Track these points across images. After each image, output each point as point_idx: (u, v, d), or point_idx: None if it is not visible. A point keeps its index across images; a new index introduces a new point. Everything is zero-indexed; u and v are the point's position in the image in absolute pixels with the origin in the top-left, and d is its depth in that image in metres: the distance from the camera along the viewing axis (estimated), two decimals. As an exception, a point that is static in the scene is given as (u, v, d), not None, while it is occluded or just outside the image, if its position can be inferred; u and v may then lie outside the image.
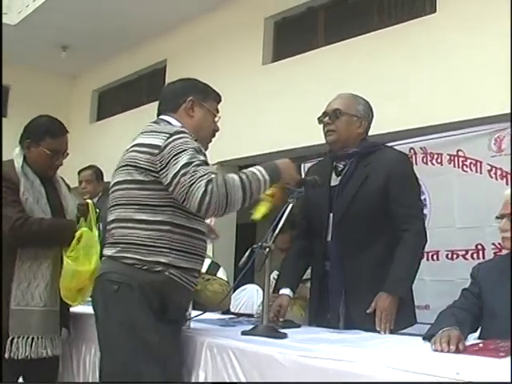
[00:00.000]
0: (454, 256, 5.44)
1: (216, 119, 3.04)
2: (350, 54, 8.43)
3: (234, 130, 7.55)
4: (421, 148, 5.77)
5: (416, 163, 5.63)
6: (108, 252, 2.77)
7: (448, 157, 5.71)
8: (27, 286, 3.33)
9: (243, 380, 2.48)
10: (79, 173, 6.25)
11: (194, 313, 3.03)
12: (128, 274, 2.64)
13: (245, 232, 9.56)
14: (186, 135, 2.70)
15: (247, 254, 2.85)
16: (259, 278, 3.26)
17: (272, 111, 9.07)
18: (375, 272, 3.24)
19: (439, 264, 5.41)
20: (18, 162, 3.47)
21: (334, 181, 3.44)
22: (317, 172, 3.43)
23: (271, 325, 2.90)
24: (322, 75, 8.49)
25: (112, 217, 2.80)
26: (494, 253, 5.11)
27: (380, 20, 8.61)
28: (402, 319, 3.20)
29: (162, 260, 2.66)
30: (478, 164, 5.50)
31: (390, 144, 5.29)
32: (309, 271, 3.66)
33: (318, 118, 3.46)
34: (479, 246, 5.29)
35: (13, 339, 3.26)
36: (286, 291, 3.46)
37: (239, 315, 4.09)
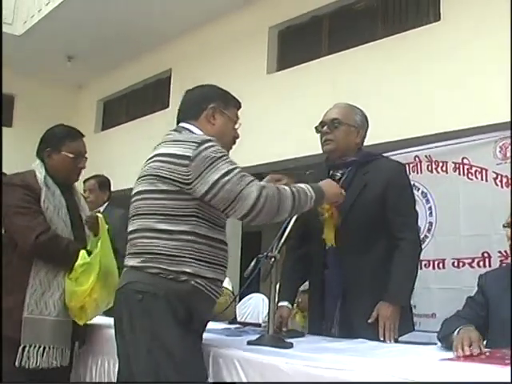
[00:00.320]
0: (460, 264, 5.42)
1: (236, 126, 3.01)
2: (355, 63, 8.44)
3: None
4: (426, 156, 5.76)
5: (421, 171, 5.63)
6: (130, 262, 2.74)
7: (453, 165, 5.70)
8: (41, 294, 3.31)
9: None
10: (84, 182, 6.25)
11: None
12: (153, 284, 2.61)
13: (250, 241, 9.56)
14: (214, 143, 2.67)
15: (253, 263, 2.85)
16: (265, 288, 3.26)
17: (276, 120, 9.09)
18: (372, 279, 3.26)
19: (445, 272, 5.39)
20: (41, 172, 3.47)
21: None
22: (311, 181, 3.43)
23: (277, 334, 2.89)
24: (327, 84, 8.49)
25: (134, 227, 2.77)
26: (501, 261, 5.10)
27: (384, 28, 8.63)
28: (401, 326, 3.19)
29: (187, 270, 2.63)
30: (484, 172, 5.48)
31: (394, 152, 5.30)
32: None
33: (316, 128, 3.47)
34: (485, 254, 5.27)
35: (24, 347, 3.24)
36: (284, 304, 3.49)
37: (245, 324, 4.08)
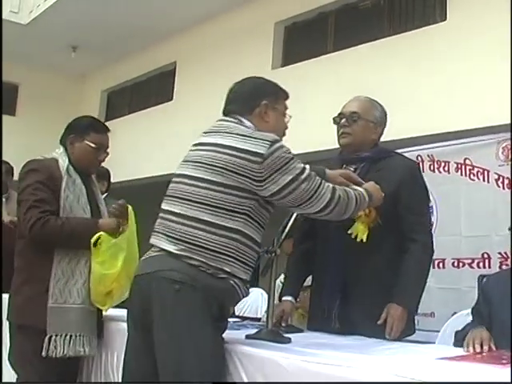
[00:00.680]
0: (460, 264, 5.44)
1: (286, 119, 3.00)
2: (360, 60, 8.43)
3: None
4: (428, 156, 5.77)
5: (423, 171, 5.64)
6: (164, 246, 2.66)
7: (455, 165, 5.71)
8: (65, 283, 3.28)
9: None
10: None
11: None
12: (191, 275, 2.55)
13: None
14: (283, 143, 2.68)
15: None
16: (264, 282, 3.26)
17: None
18: (376, 279, 3.21)
19: (445, 272, 5.40)
20: (64, 160, 3.45)
21: None
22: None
23: (275, 329, 2.90)
24: (332, 81, 8.49)
25: (173, 209, 2.70)
26: (500, 262, 5.11)
27: (390, 27, 8.63)
28: (404, 329, 3.17)
29: (226, 268, 2.59)
30: (486, 173, 5.50)
31: (397, 151, 5.30)
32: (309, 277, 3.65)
33: (334, 119, 3.42)
34: (485, 255, 5.29)
35: (50, 337, 3.21)
36: (287, 298, 3.46)
37: (244, 318, 4.09)
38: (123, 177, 11.06)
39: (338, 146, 3.44)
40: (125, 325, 3.40)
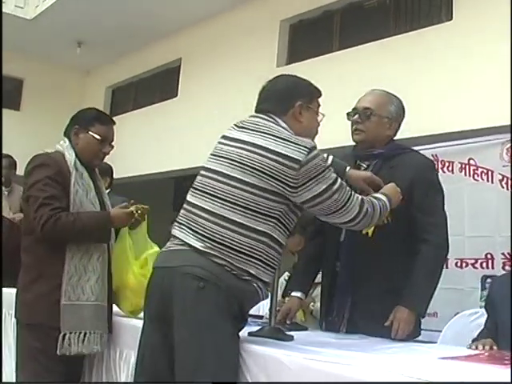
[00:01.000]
0: (464, 264, 5.43)
1: (319, 118, 2.95)
2: (365, 59, 8.42)
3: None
4: (432, 155, 5.75)
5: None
6: (190, 241, 2.62)
7: (459, 165, 5.71)
8: (78, 279, 3.23)
9: (249, 381, 2.48)
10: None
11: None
12: (216, 274, 2.52)
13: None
14: (319, 151, 2.65)
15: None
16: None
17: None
18: (386, 279, 3.16)
19: (448, 272, 5.36)
20: (70, 154, 3.38)
21: None
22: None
23: (278, 327, 2.90)
24: (337, 79, 8.48)
25: (200, 203, 2.67)
26: (504, 263, 5.11)
27: (396, 26, 8.61)
28: (411, 331, 3.14)
29: (251, 271, 2.56)
30: (490, 173, 5.49)
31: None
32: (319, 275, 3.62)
33: (348, 114, 3.35)
34: (489, 256, 5.28)
35: (64, 335, 3.16)
36: (297, 294, 3.43)
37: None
38: (127, 173, 11.07)
39: (343, 144, 3.42)
40: (127, 320, 3.42)
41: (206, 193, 2.67)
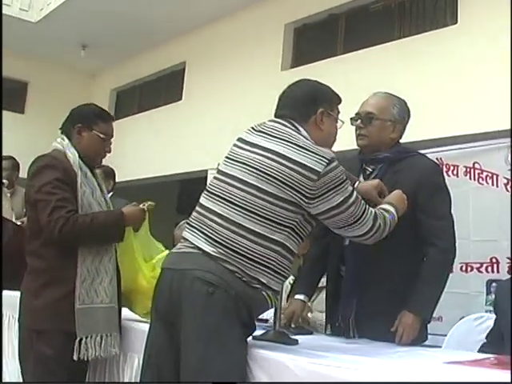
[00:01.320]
0: (469, 269, 5.41)
1: (338, 125, 2.92)
2: (370, 63, 8.42)
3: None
4: (437, 159, 5.72)
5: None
6: (202, 246, 2.59)
7: (464, 169, 5.69)
8: (91, 282, 3.17)
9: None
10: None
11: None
12: (226, 280, 2.50)
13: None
14: (338, 162, 2.63)
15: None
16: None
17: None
18: (391, 282, 3.14)
19: (453, 276, 5.29)
20: (73, 153, 3.31)
21: None
22: None
23: (283, 330, 2.89)
24: (341, 83, 8.43)
25: (214, 208, 2.63)
26: (509, 267, 5.09)
27: (401, 29, 8.61)
28: (416, 336, 3.12)
29: (262, 279, 2.54)
30: (495, 177, 5.48)
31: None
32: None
33: (351, 119, 3.31)
34: (494, 260, 5.27)
35: (81, 340, 3.11)
36: (300, 297, 3.41)
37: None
38: (131, 175, 11.08)
39: (345, 148, 3.40)
40: (131, 323, 3.41)
41: (221, 197, 2.64)
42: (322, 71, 8.92)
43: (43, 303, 3.15)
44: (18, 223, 5.34)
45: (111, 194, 5.95)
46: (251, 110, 8.13)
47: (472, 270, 5.40)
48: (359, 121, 3.31)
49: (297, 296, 3.43)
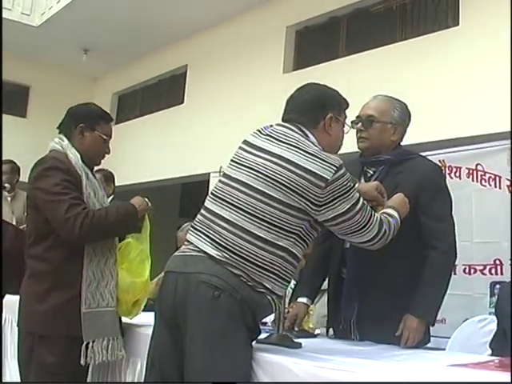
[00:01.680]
0: (472, 270, 5.41)
1: (346, 130, 2.92)
2: (371, 65, 8.42)
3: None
4: (439, 161, 5.73)
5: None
6: (207, 249, 2.57)
7: (467, 170, 5.69)
8: (96, 285, 3.14)
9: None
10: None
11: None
12: (232, 284, 2.49)
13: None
14: (346, 169, 2.63)
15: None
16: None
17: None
18: (393, 286, 3.13)
19: (456, 278, 5.34)
20: (74, 154, 3.26)
21: None
22: None
23: (286, 334, 2.88)
24: (343, 85, 8.41)
25: (221, 212, 2.61)
26: (512, 268, 5.08)
27: (402, 31, 8.60)
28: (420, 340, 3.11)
29: (267, 285, 2.54)
30: (497, 179, 5.48)
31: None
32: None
33: (352, 122, 3.29)
34: (497, 261, 5.26)
35: (87, 344, 3.08)
36: (303, 300, 3.40)
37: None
38: (133, 179, 11.08)
39: (347, 151, 3.39)
40: (133, 327, 3.40)
41: (227, 202, 2.63)
42: (324, 73, 8.93)
43: (47, 308, 3.10)
44: (21, 227, 5.34)
45: (112, 197, 5.95)
46: (253, 113, 8.14)
47: (475, 272, 5.39)
48: (360, 124, 3.32)
49: (300, 299, 3.42)
